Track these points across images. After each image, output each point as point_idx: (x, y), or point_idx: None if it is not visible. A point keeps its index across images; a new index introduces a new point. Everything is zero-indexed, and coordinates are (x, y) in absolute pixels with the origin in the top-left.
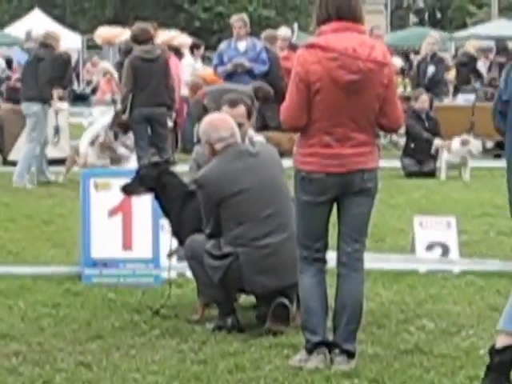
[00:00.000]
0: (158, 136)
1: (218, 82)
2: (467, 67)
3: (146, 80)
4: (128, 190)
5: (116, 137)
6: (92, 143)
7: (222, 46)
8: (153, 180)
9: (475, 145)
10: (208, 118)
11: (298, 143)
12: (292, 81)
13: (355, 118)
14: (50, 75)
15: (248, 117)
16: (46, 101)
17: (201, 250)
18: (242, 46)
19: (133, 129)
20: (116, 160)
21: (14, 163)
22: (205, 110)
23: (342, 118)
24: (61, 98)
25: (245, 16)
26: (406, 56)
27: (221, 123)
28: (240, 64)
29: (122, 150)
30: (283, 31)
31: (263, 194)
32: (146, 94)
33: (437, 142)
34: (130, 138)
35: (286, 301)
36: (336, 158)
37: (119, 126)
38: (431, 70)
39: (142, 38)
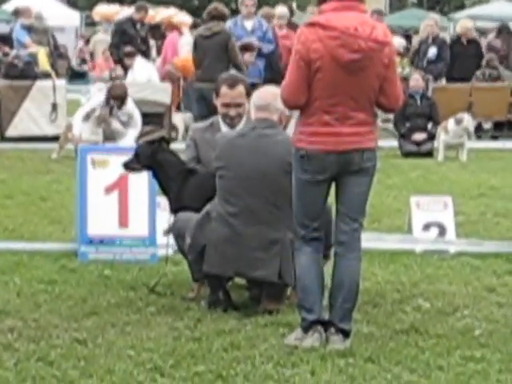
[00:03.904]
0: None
1: (188, 68)
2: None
3: (202, 56)
4: (127, 167)
5: (111, 112)
6: (87, 118)
7: (229, 24)
8: (147, 158)
9: (469, 121)
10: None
11: (298, 122)
12: (292, 59)
13: (355, 97)
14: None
15: (248, 96)
16: None
17: (185, 229)
18: (249, 24)
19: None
20: (110, 136)
21: (11, 139)
22: None
23: (342, 96)
24: (57, 75)
25: None
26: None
27: (260, 93)
28: (249, 43)
29: (116, 125)
30: (279, 9)
31: (253, 182)
32: (201, 70)
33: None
34: (125, 114)
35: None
36: (335, 137)
37: (114, 98)
38: (432, 51)
39: (208, 16)
